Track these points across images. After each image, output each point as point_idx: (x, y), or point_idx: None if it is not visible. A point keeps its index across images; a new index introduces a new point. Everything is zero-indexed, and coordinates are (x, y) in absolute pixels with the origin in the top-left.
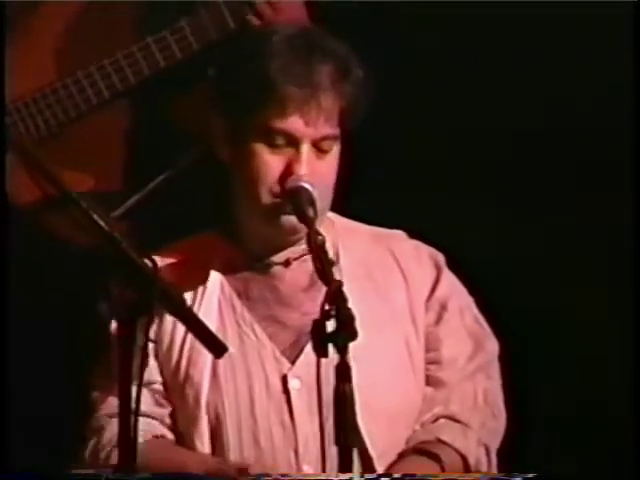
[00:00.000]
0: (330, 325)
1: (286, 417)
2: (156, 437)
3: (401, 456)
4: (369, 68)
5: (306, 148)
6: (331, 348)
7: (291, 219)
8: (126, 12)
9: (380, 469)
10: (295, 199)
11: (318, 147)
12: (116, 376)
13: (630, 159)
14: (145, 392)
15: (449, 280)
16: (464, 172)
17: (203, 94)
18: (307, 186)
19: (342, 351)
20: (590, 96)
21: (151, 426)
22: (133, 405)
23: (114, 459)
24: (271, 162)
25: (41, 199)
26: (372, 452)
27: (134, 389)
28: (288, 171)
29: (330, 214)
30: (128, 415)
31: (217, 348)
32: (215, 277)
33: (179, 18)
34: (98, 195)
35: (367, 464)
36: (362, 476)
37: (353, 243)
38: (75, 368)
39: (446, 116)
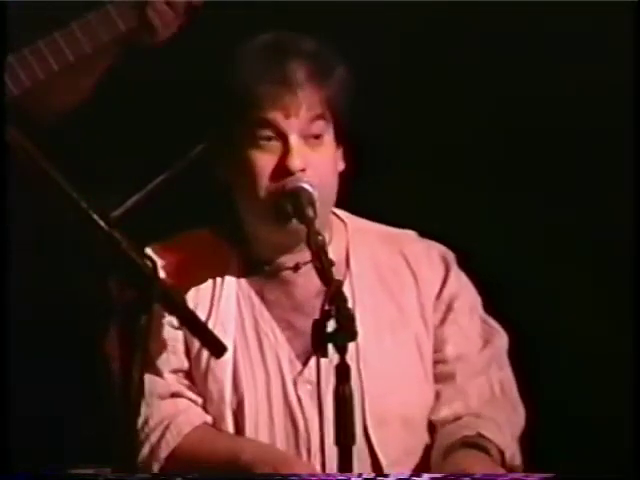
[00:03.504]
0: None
1: (300, 422)
2: (206, 424)
3: (448, 451)
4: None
5: (295, 140)
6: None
7: (292, 221)
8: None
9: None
10: (295, 200)
11: (307, 138)
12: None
13: (630, 159)
14: (173, 377)
15: (457, 278)
16: (465, 169)
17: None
18: (307, 186)
19: (341, 351)
20: (590, 96)
21: (196, 412)
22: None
23: (167, 441)
24: (262, 161)
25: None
26: (382, 460)
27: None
28: (281, 166)
29: (342, 213)
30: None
31: (217, 349)
32: (232, 274)
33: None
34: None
35: (377, 472)
36: (360, 476)
37: (364, 244)
38: (75, 368)
39: (447, 113)
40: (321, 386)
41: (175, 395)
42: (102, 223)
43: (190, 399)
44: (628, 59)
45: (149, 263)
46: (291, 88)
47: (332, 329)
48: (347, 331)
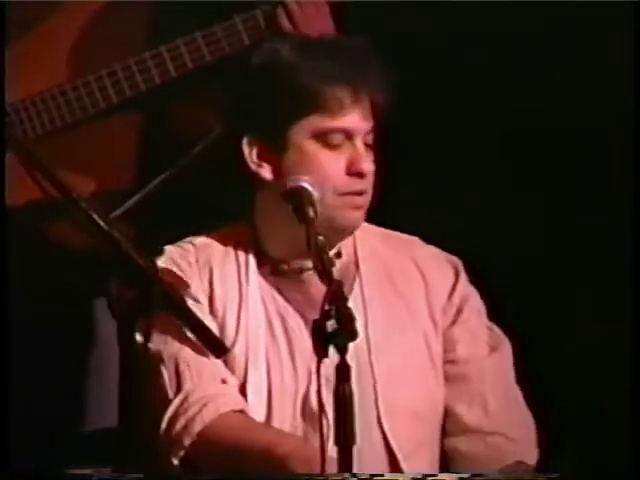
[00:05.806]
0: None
1: (323, 420)
2: (235, 411)
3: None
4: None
5: (360, 143)
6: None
7: (355, 214)
8: (141, 19)
9: (407, 469)
10: (295, 199)
11: (366, 142)
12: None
13: (630, 159)
14: (221, 363)
15: (466, 285)
16: (463, 172)
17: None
18: (307, 186)
19: (342, 351)
20: (590, 96)
21: (237, 398)
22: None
23: (203, 416)
24: (332, 160)
25: (41, 199)
26: (398, 454)
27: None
28: (352, 168)
29: None
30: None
31: (218, 349)
32: (252, 270)
33: (193, 29)
34: (98, 195)
35: (393, 465)
36: (359, 476)
37: (372, 246)
38: (75, 368)
39: (445, 115)
40: (323, 386)
41: (223, 381)
42: (102, 223)
43: (233, 386)
44: (628, 60)
45: (149, 263)
46: (357, 88)
47: (332, 329)
48: (347, 331)
